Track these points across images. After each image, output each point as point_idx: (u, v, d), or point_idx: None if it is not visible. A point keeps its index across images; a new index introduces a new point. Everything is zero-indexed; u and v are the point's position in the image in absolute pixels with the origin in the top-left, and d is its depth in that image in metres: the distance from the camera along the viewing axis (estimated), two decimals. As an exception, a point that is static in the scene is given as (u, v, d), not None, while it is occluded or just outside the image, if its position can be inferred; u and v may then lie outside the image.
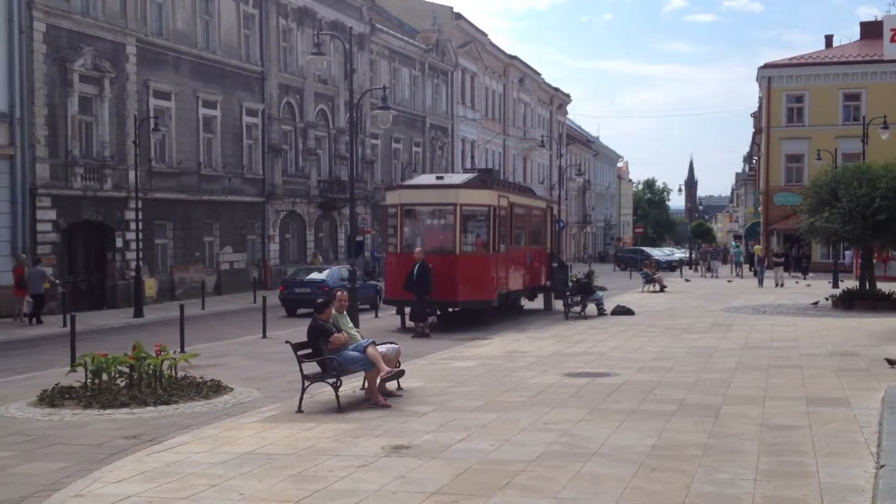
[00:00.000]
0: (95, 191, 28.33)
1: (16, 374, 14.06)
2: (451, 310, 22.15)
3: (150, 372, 11.22)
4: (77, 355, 14.14)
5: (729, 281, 42.18)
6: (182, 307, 17.82)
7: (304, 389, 10.50)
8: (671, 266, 58.05)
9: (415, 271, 19.58)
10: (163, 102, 31.79)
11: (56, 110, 26.94)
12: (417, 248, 20.28)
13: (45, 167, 26.53)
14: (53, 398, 10.74)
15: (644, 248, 70.33)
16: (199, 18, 34.04)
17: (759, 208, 59.39)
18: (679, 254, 68.53)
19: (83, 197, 27.90)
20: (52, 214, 26.75)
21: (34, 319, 23.55)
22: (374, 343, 11.10)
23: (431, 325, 19.73)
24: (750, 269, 47.58)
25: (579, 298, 23.23)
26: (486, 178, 23.20)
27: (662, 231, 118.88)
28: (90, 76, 28.16)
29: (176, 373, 11.60)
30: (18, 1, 25.25)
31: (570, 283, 24.55)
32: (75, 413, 10.19)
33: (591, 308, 23.44)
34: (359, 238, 41.47)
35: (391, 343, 12.04)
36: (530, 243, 25.28)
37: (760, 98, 59.73)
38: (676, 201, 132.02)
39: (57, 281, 25.25)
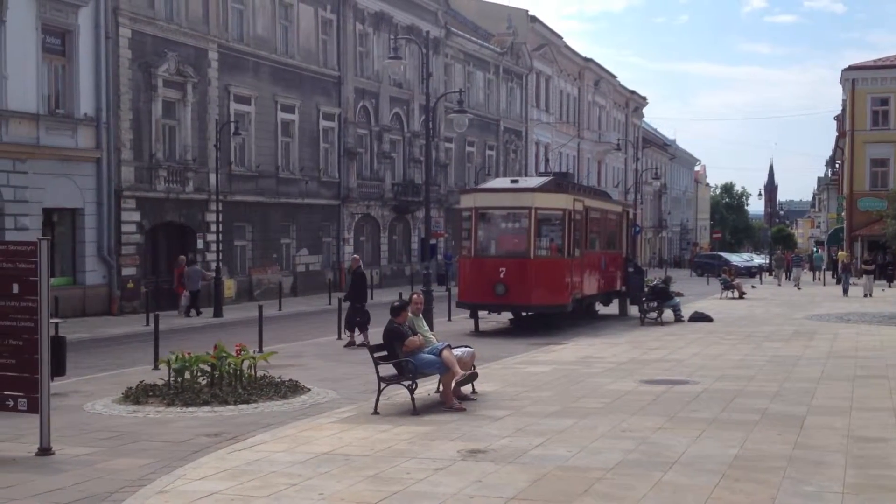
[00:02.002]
0: (178, 193, 29.05)
1: (101, 372, 14.47)
2: (524, 314, 22.06)
3: (231, 371, 11.43)
4: (159, 354, 14.55)
5: (798, 288, 40.79)
6: (260, 308, 18.14)
7: (380, 391, 10.56)
8: (750, 272, 56.76)
9: (352, 278, 18.75)
10: (243, 107, 32.42)
11: (141, 114, 27.71)
12: (354, 255, 20.19)
13: (130, 170, 27.31)
14: (138, 395, 11.02)
15: (722, 254, 68.95)
16: (279, 24, 34.64)
17: (843, 214, 57.68)
18: (758, 260, 66.98)
19: (166, 199, 28.63)
20: (136, 216, 27.51)
21: (193, 312, 26.10)
22: (449, 346, 11.11)
23: (358, 337, 17.99)
24: (833, 277, 46.18)
25: (656, 304, 22.87)
26: (561, 182, 23.02)
27: (741, 236, 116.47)
28: (173, 81, 28.89)
29: (255, 372, 11.80)
30: (105, 8, 26.05)
31: (646, 289, 24.18)
32: (159, 410, 10.44)
33: (668, 314, 23.06)
34: (432, 241, 41.63)
35: (466, 346, 12.03)
36: (606, 248, 25.02)
37: (844, 101, 58.03)
38: (756, 206, 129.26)
39: (211, 276, 27.51)
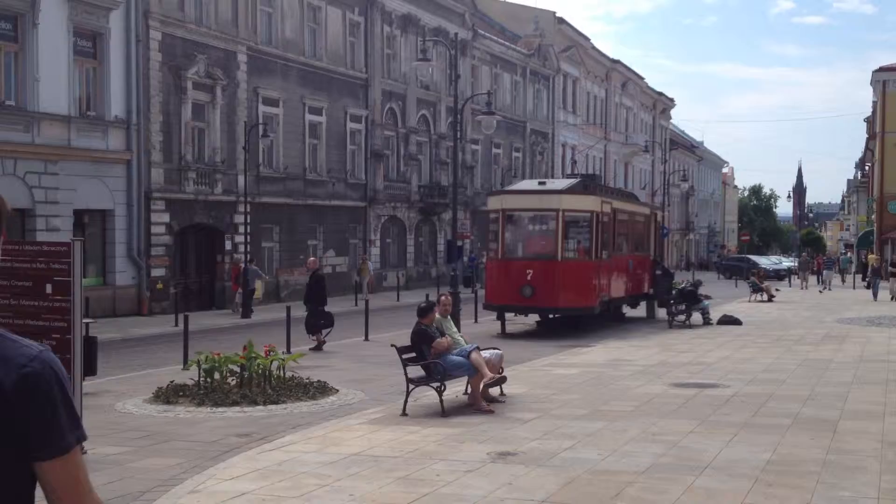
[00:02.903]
0: (206, 195, 29.25)
1: (132, 371, 14.60)
2: (551, 316, 21.99)
3: (260, 372, 11.48)
4: (189, 354, 14.64)
5: (820, 291, 40.25)
6: (288, 309, 18.21)
7: (408, 393, 10.56)
8: (779, 275, 56.19)
9: (309, 281, 18.40)
10: (271, 109, 32.60)
11: (170, 117, 27.93)
12: (311, 258, 19.89)
13: (160, 172, 27.53)
14: (168, 395, 11.09)
15: (750, 256, 68.33)
16: (307, 27, 34.79)
17: (873, 216, 56.95)
18: (787, 262, 66.32)
19: (195, 201, 28.83)
20: (165, 217, 27.73)
21: (244, 310, 26.61)
22: (478, 348, 11.09)
23: (324, 337, 17.74)
24: (863, 280, 45.60)
25: (684, 307, 22.71)
26: (589, 184, 22.94)
27: (769, 239, 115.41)
28: (203, 83, 29.11)
29: (284, 373, 11.84)
30: (136, 11, 26.29)
31: (674, 291, 24.02)
32: (189, 410, 10.50)
33: (696, 317, 22.89)
34: (458, 243, 41.64)
35: (495, 349, 12.02)
36: (633, 250, 24.89)
37: (874, 102, 57.32)
38: (784, 208, 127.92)
39: (267, 276, 28.67)
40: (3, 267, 8.46)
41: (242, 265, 27.37)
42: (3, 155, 22.61)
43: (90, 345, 10.83)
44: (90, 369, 10.91)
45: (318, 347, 17.45)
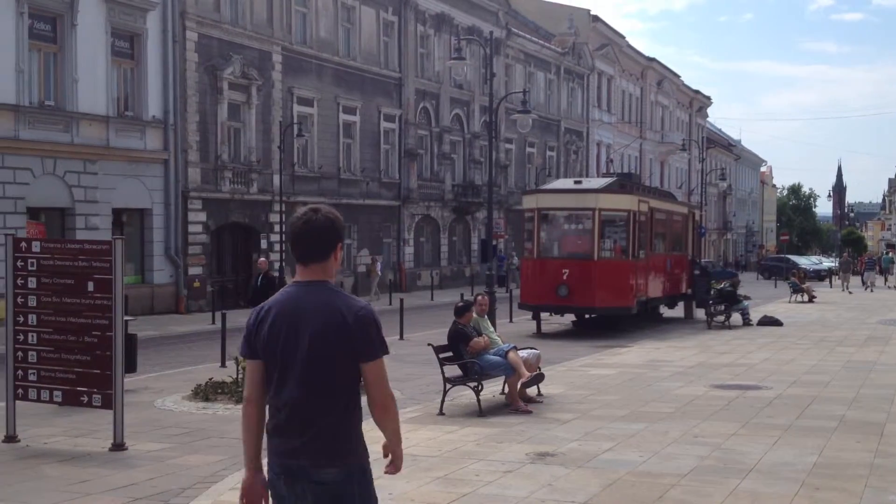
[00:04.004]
0: (242, 194, 29.43)
1: (170, 369, 14.69)
2: (587, 316, 21.84)
3: (297, 370, 11.47)
4: (226, 352, 14.72)
5: (850, 292, 39.49)
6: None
7: (445, 392, 10.50)
8: (819, 276, 55.41)
9: (258, 282, 17.94)
10: (305, 109, 32.72)
11: (206, 117, 28.14)
12: (261, 259, 19.36)
13: (197, 171, 27.75)
14: (207, 393, 11.13)
15: (790, 256, 67.46)
16: (341, 27, 34.88)
17: (916, 216, 55.91)
18: (827, 263, 65.37)
19: (231, 200, 29.02)
20: (202, 216, 27.94)
21: None
22: (515, 348, 11.01)
23: None
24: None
25: (723, 307, 22.43)
26: (625, 183, 22.75)
27: (808, 239, 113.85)
28: (238, 84, 29.29)
29: (321, 372, 11.82)
30: (172, 11, 26.51)
31: (713, 291, 23.73)
32: (227, 407, 10.53)
33: (736, 318, 22.59)
34: (493, 242, 41.55)
35: (532, 348, 11.93)
36: (671, 249, 24.65)
37: (918, 99, 56.24)
38: (824, 208, 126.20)
39: (368, 273, 29.89)
40: (46, 265, 8.54)
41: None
42: (43, 155, 22.90)
43: (130, 342, 10.90)
44: (130, 366, 10.98)
45: None
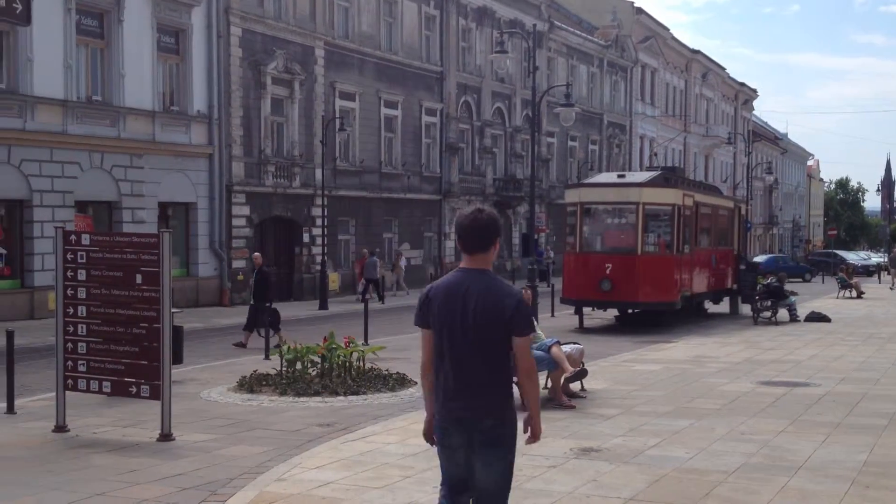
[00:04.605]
0: (285, 188, 29.65)
1: (215, 361, 14.84)
2: (630, 311, 21.66)
3: (341, 363, 11.54)
4: (270, 344, 14.84)
5: (891, 288, 38.65)
6: (366, 301, 18.30)
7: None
8: (868, 271, 54.36)
9: (254, 277, 17.63)
10: (347, 103, 32.85)
11: (250, 111, 28.38)
12: (256, 254, 19.11)
13: (240, 165, 28.01)
14: (252, 384, 11.22)
15: (838, 252, 66.29)
16: (383, 21, 34.95)
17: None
18: (876, 258, 64.12)
19: (273, 194, 29.26)
20: (245, 210, 28.21)
21: (369, 296, 27.76)
22: (558, 343, 10.94)
23: (264, 337, 15.95)
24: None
25: (770, 303, 22.10)
26: (670, 177, 22.49)
27: (856, 234, 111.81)
28: (281, 78, 29.49)
29: (364, 364, 11.88)
30: (217, 7, 26.77)
31: (759, 287, 23.40)
32: (272, 399, 10.61)
33: (783, 314, 22.26)
34: (535, 237, 41.36)
35: (575, 343, 11.85)
36: (716, 244, 24.34)
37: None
38: (872, 202, 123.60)
39: (387, 267, 31.45)
40: (95, 257, 8.66)
41: (367, 257, 29.94)
42: (91, 149, 23.28)
43: (177, 334, 11.03)
44: (177, 358, 11.12)
45: (241, 345, 16.57)
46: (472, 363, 4.23)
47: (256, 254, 19.16)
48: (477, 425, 4.24)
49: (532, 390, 4.38)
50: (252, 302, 17.32)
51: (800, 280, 47.40)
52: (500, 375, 4.28)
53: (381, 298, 29.38)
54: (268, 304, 16.84)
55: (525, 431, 4.37)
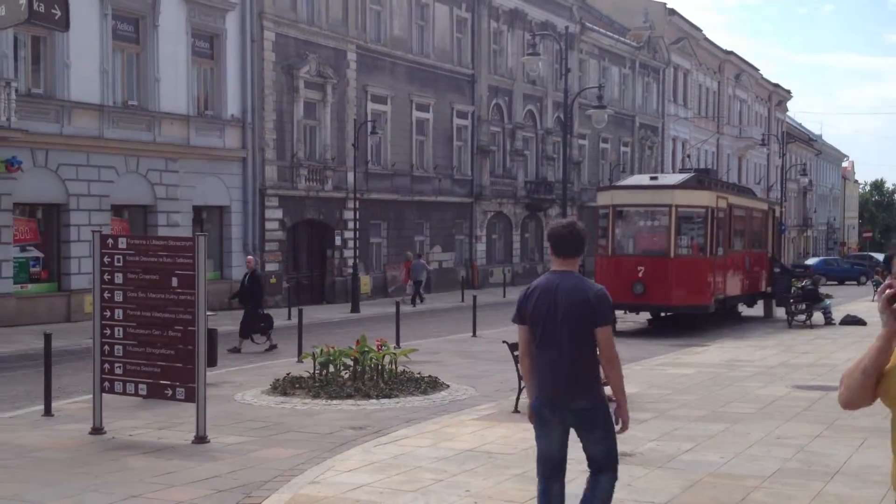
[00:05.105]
0: (317, 191, 29.82)
1: (249, 363, 14.96)
2: (663, 314, 21.52)
3: (373, 365, 11.58)
4: (302, 347, 14.92)
5: None
6: (398, 304, 18.37)
7: (520, 389, 10.44)
8: (904, 274, 53.45)
9: (245, 280, 17.60)
10: (379, 106, 32.97)
11: (283, 115, 28.57)
12: (249, 257, 19.10)
13: (273, 169, 28.21)
14: (285, 387, 11.31)
15: (872, 254, 65.36)
16: (415, 24, 35.04)
17: None
18: (913, 260, 63.07)
19: (306, 197, 29.43)
20: (278, 213, 28.40)
21: (417, 300, 29.66)
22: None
23: (266, 340, 16.95)
24: None
25: (804, 306, 21.86)
26: (703, 179, 22.36)
27: (892, 235, 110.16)
28: (314, 82, 29.66)
29: (396, 367, 11.92)
30: (251, 12, 26.99)
31: (794, 290, 23.16)
32: (305, 402, 10.68)
33: (817, 317, 22.00)
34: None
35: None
36: (750, 247, 24.13)
37: None
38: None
39: (431, 269, 32.40)
40: (132, 261, 8.77)
41: (412, 259, 30.66)
42: (126, 153, 23.57)
43: (211, 337, 11.12)
44: (211, 360, 11.22)
45: (236, 350, 16.45)
46: (562, 351, 4.97)
47: (249, 257, 19.32)
48: (568, 405, 5.04)
49: (616, 379, 5.08)
50: (244, 305, 17.27)
51: (854, 283, 46.76)
52: (587, 360, 5.04)
53: (422, 299, 30.04)
54: (260, 311, 17.00)
55: (616, 423, 5.09)
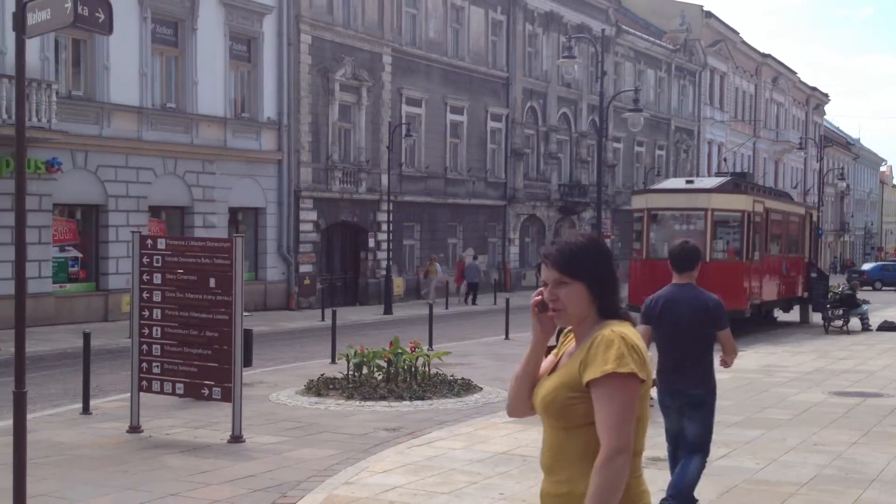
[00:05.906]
0: (351, 193, 29.97)
1: (283, 364, 15.08)
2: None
3: (406, 367, 11.63)
4: (336, 348, 15.00)
5: None
6: (430, 306, 18.40)
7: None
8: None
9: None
10: (414, 109, 33.06)
11: (318, 118, 28.76)
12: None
13: (308, 171, 28.40)
14: (319, 388, 11.38)
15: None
16: (450, 27, 35.10)
17: None
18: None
19: (340, 199, 29.59)
20: (313, 215, 28.58)
21: (470, 300, 31.10)
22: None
23: None
24: None
25: (841, 312, 21.58)
26: (739, 182, 22.13)
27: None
28: (349, 85, 29.82)
29: (429, 369, 11.95)
30: (288, 15, 27.21)
31: (831, 295, 22.86)
32: (339, 403, 10.74)
33: (854, 323, 21.71)
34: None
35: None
36: (787, 252, 23.86)
37: None
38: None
39: (484, 271, 33.81)
40: (170, 261, 8.89)
41: (466, 261, 32.06)
42: (164, 155, 23.86)
43: (247, 337, 11.21)
44: (247, 361, 11.28)
45: None
46: (683, 350, 6.04)
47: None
48: (685, 392, 6.07)
49: (734, 355, 6.28)
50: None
51: None
52: (704, 356, 6.10)
53: (474, 300, 31.21)
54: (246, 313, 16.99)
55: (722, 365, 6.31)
